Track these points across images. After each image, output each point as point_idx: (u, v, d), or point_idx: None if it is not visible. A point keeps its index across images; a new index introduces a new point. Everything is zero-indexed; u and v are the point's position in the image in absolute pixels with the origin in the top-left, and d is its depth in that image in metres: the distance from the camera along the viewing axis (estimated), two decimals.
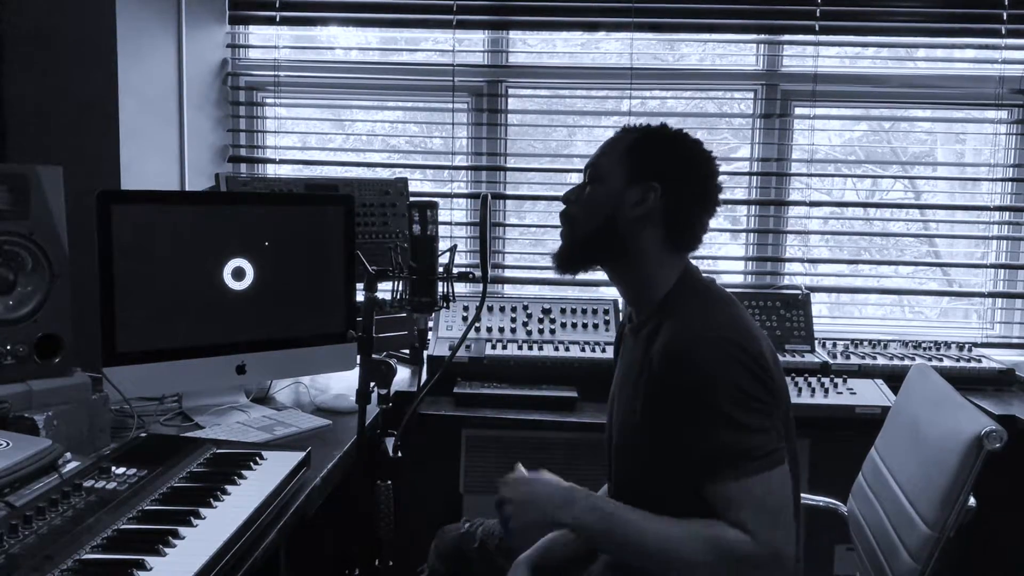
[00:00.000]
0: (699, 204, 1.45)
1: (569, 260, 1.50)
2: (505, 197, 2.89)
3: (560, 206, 1.52)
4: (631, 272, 1.46)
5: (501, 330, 2.48)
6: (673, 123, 1.50)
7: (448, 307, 1.66)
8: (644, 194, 1.40)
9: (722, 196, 1.48)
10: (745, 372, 1.27)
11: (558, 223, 1.52)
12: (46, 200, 1.64)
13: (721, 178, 1.47)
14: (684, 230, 1.44)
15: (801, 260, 2.85)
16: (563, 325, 2.52)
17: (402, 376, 2.26)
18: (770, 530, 1.22)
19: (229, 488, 1.31)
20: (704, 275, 1.48)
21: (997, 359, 2.46)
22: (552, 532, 1.55)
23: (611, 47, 2.89)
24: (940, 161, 3.01)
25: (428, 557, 1.84)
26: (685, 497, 1.28)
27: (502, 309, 2.55)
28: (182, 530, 1.14)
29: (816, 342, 2.52)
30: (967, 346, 2.54)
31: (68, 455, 1.35)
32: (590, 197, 1.46)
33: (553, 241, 2.88)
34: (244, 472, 1.38)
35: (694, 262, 1.49)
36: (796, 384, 2.25)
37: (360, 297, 1.77)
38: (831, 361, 2.39)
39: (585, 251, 1.48)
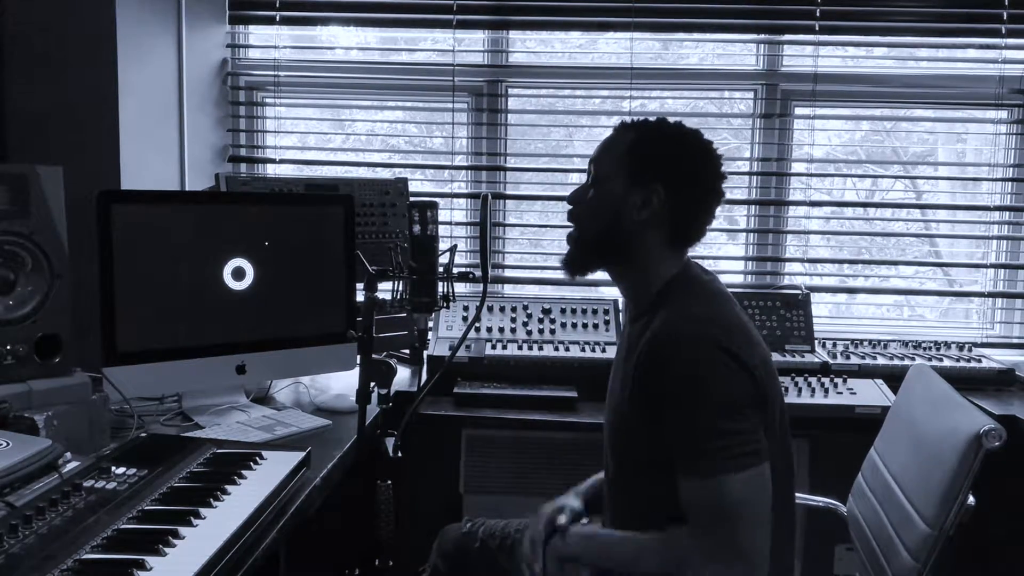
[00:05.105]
0: (703, 201, 1.45)
1: (576, 264, 1.51)
2: (505, 197, 2.88)
3: (564, 206, 1.53)
4: (633, 271, 1.46)
5: (501, 330, 2.48)
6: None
7: (448, 307, 1.66)
8: (647, 197, 1.40)
9: (724, 188, 1.48)
10: (725, 371, 1.29)
11: (558, 223, 1.53)
12: (46, 200, 1.64)
13: (723, 169, 1.46)
14: (688, 228, 1.45)
15: (801, 260, 2.85)
16: (563, 325, 2.52)
17: (402, 376, 2.26)
18: (745, 525, 1.25)
19: (229, 488, 1.31)
20: (705, 272, 1.48)
21: (997, 359, 2.46)
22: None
23: (611, 47, 2.89)
24: (940, 161, 3.01)
25: (430, 556, 1.84)
26: (664, 484, 1.31)
27: (502, 309, 2.55)
28: (182, 530, 1.14)
29: (816, 342, 2.52)
30: (967, 346, 2.54)
31: (68, 455, 1.36)
32: (593, 200, 1.46)
33: (551, 241, 2.91)
34: (244, 472, 1.38)
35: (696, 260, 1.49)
36: (796, 384, 2.24)
37: (360, 297, 1.77)
38: (831, 361, 2.38)
39: (591, 254, 1.49)
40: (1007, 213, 2.78)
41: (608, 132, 1.51)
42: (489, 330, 2.48)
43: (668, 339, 1.33)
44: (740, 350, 1.31)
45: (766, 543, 1.27)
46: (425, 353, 2.37)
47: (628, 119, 1.50)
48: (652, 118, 1.48)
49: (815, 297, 2.66)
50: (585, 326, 2.52)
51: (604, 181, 1.45)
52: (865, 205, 3.01)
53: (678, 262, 1.45)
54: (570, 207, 1.52)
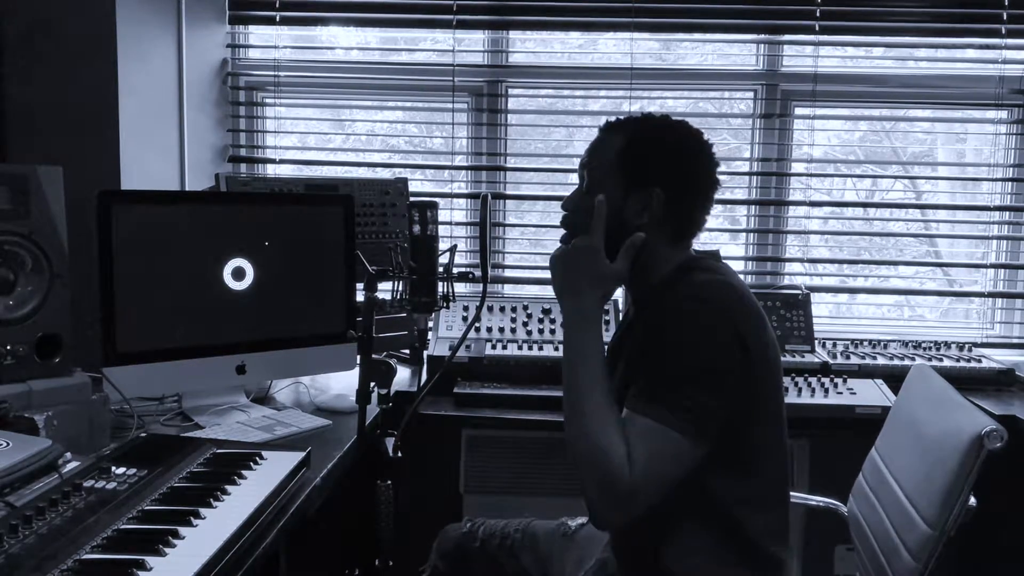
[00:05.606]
0: (701, 195, 1.44)
1: None
2: (505, 197, 2.88)
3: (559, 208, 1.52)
4: (638, 271, 1.46)
5: (501, 330, 2.48)
6: None
7: (448, 307, 1.66)
8: (647, 201, 1.39)
9: (722, 196, 1.48)
10: (720, 339, 1.29)
11: (558, 223, 1.52)
12: (46, 200, 1.64)
13: (716, 157, 1.45)
14: (689, 223, 1.45)
15: (801, 260, 2.85)
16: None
17: (402, 376, 2.26)
18: (647, 472, 1.23)
19: (229, 488, 1.31)
20: (715, 259, 1.48)
21: (997, 359, 2.46)
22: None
23: (611, 47, 2.89)
24: (940, 161, 3.02)
25: (430, 556, 1.84)
26: None
27: (502, 309, 2.55)
28: (182, 530, 1.14)
29: (816, 342, 2.51)
30: (967, 346, 2.54)
31: (68, 455, 1.35)
32: (591, 209, 1.45)
33: (552, 241, 2.90)
34: (244, 472, 1.38)
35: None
36: (796, 384, 2.24)
37: (360, 297, 1.77)
38: (831, 361, 2.38)
39: None
40: (1007, 213, 2.78)
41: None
42: (489, 330, 2.48)
43: (672, 305, 1.33)
44: (740, 323, 1.31)
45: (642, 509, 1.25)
46: (425, 353, 2.37)
47: (613, 119, 1.47)
48: (637, 115, 1.46)
49: (815, 297, 2.66)
50: None
51: (599, 188, 1.42)
52: (865, 205, 3.01)
53: (681, 255, 1.45)
54: (565, 213, 1.49)
